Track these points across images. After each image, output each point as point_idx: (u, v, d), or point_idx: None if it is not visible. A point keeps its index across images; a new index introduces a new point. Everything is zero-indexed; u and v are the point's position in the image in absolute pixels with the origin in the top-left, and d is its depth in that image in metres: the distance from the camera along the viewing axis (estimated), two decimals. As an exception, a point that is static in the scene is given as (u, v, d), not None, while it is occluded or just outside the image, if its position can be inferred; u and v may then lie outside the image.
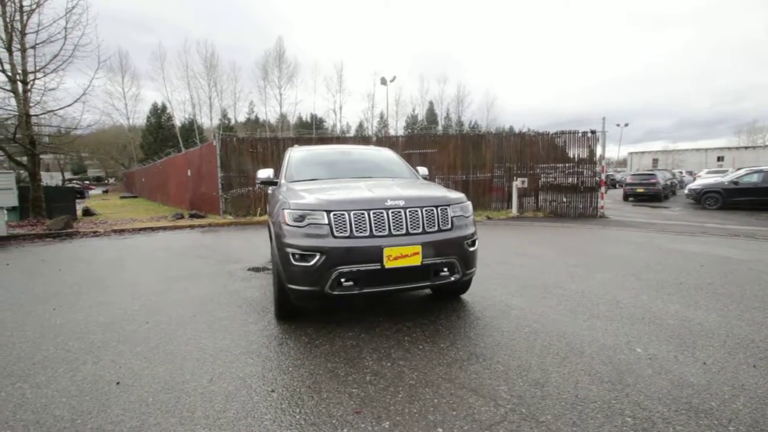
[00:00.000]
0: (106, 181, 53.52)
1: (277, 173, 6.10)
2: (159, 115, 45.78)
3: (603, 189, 12.09)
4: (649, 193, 18.85)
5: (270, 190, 5.04)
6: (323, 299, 3.02)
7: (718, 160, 46.91)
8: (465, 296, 3.90)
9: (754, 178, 14.04)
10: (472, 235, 3.28)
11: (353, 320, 3.35)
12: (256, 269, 5.46)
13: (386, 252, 2.86)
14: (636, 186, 19.19)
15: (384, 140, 14.10)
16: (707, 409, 2.00)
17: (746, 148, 49.22)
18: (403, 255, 2.92)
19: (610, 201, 16.94)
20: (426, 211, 3.09)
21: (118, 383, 2.37)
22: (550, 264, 5.39)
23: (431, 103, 52.16)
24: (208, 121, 44.82)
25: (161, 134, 44.37)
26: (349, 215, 2.92)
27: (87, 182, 46.97)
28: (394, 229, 2.97)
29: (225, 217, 11.91)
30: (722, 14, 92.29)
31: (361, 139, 15.03)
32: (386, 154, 5.06)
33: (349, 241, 2.87)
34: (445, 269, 3.11)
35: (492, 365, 2.50)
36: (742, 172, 15.28)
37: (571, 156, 12.63)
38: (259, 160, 12.62)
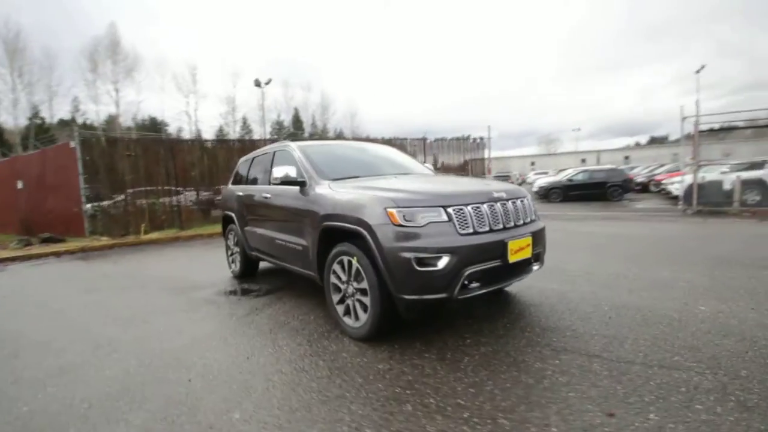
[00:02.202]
0: None
1: (238, 178, 5.19)
2: None
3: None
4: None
5: (263, 195, 4.20)
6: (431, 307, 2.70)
7: (531, 164, 58.89)
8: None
9: (581, 177, 18.16)
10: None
11: (436, 331, 3.07)
12: (236, 292, 4.46)
13: (510, 246, 2.73)
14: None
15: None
16: None
17: (548, 155, 63.25)
18: (521, 248, 2.83)
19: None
20: (520, 202, 3.07)
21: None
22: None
23: (296, 110, 51.20)
24: (11, 120, 34.34)
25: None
26: (467, 210, 2.68)
27: None
28: (506, 221, 2.86)
29: (98, 239, 9.31)
30: (520, 52, 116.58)
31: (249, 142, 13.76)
32: (396, 151, 4.80)
33: (475, 238, 2.64)
34: (537, 260, 3.15)
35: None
36: (571, 172, 19.57)
37: (464, 160, 14.17)
38: (141, 166, 10.35)
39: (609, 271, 4.50)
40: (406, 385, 2.24)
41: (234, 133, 46.32)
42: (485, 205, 2.77)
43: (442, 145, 14.14)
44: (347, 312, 3.02)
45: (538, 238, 3.05)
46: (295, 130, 48.21)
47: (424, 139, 13.93)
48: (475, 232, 2.66)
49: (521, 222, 2.98)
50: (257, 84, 25.02)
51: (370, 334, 2.81)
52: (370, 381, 2.31)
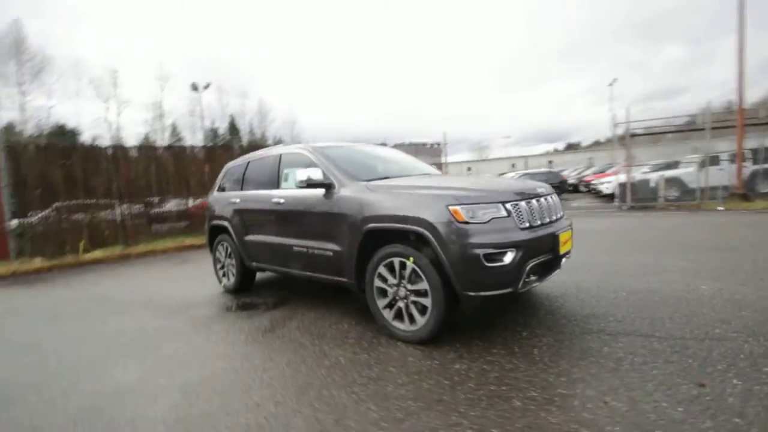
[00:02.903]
0: None
1: (228, 185, 4.85)
2: None
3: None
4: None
5: (274, 200, 3.95)
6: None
7: (468, 170, 62.00)
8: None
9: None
10: None
11: (492, 331, 3.11)
12: (242, 307, 4.11)
13: (560, 238, 2.86)
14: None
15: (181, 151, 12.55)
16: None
17: (482, 161, 67.10)
18: (566, 240, 2.98)
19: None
20: (552, 198, 3.22)
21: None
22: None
23: (233, 117, 48.70)
24: None
25: None
26: (522, 205, 2.76)
27: None
28: (550, 216, 2.99)
29: (29, 260, 8.03)
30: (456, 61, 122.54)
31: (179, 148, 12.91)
32: (401, 152, 4.78)
33: (532, 232, 2.72)
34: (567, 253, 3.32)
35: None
36: (513, 175, 20.94)
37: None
38: (79, 176, 9.19)
39: (601, 261, 4.88)
40: (497, 381, 2.23)
41: (162, 140, 42.82)
42: (533, 201, 2.88)
43: (401, 150, 14.36)
44: (398, 315, 2.93)
45: (571, 230, 3.22)
46: (231, 137, 45.93)
47: (383, 145, 14.11)
48: (531, 227, 2.74)
49: (556, 217, 3.13)
50: (194, 88, 23.42)
51: (431, 335, 2.75)
52: (457, 382, 2.26)
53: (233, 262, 4.68)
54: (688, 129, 12.33)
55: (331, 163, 3.56)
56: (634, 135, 12.49)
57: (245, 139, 47.53)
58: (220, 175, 5.23)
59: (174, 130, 44.01)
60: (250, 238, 4.34)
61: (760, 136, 11.40)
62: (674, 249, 5.33)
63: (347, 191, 3.28)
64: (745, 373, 2.10)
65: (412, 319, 2.85)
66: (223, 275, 4.91)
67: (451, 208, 2.61)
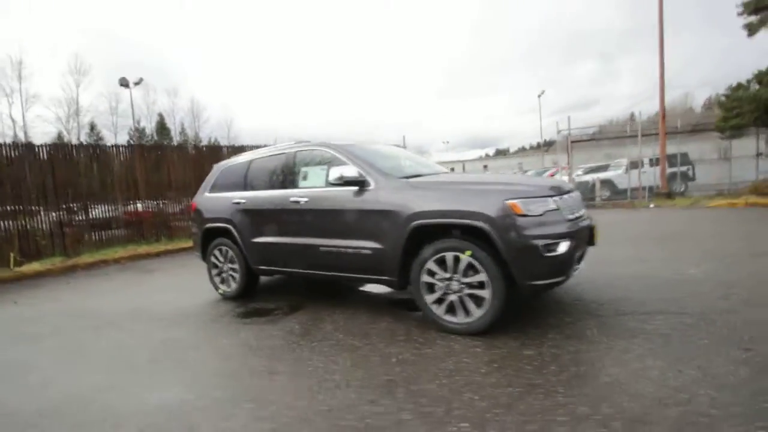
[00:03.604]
0: None
1: (225, 185, 4.59)
2: None
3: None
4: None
5: (293, 200, 3.79)
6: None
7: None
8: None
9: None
10: None
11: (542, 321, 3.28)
12: (256, 313, 3.87)
13: (595, 229, 3.11)
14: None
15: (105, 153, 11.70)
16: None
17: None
18: (596, 232, 3.24)
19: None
20: (578, 194, 3.49)
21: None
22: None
23: (161, 116, 45.08)
24: None
25: None
26: (565, 198, 2.97)
27: None
28: (579, 209, 3.23)
29: (-56, 277, 6.74)
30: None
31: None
32: (411, 153, 4.82)
33: (575, 224, 2.93)
34: (588, 244, 3.62)
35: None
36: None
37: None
38: (6, 179, 7.95)
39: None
40: (573, 362, 2.37)
41: (76, 138, 38.29)
42: (566, 196, 3.10)
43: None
44: (450, 309, 2.98)
45: None
46: (160, 137, 42.49)
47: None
48: (573, 219, 2.96)
49: (583, 210, 3.40)
50: (123, 84, 21.18)
51: (488, 326, 2.84)
52: (538, 367, 2.36)
53: (235, 266, 4.39)
54: (623, 136, 13.87)
55: (362, 160, 3.51)
56: (575, 141, 13.80)
57: (176, 139, 44.31)
58: (211, 176, 4.88)
59: (92, 129, 39.71)
60: (260, 240, 4.10)
61: (679, 143, 13.21)
62: (645, 241, 6.02)
63: (386, 188, 3.26)
64: (772, 336, 2.47)
65: (466, 312, 2.91)
66: (221, 282, 4.57)
67: (509, 202, 2.73)
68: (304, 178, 3.89)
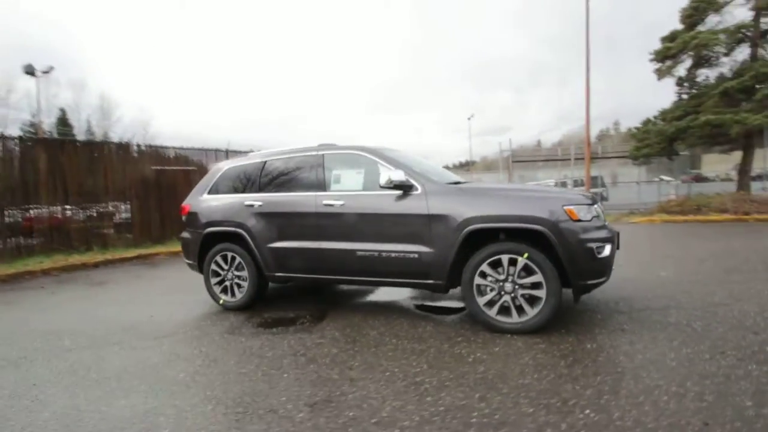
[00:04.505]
0: None
1: (232, 186, 4.33)
2: None
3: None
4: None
5: (325, 203, 3.66)
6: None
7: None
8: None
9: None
10: None
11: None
12: (278, 324, 3.61)
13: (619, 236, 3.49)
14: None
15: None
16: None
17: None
18: (617, 237, 3.64)
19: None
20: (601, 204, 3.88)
21: None
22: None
23: (63, 111, 39.52)
24: None
25: None
26: (597, 207, 3.30)
27: None
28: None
29: None
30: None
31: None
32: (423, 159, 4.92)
33: (610, 230, 3.27)
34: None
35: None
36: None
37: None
38: None
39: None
40: (634, 352, 2.64)
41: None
42: (597, 205, 3.46)
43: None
44: (502, 310, 3.11)
45: None
46: (61, 135, 37.16)
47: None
48: (604, 225, 3.31)
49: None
50: (29, 72, 18.17)
51: (544, 324, 3.01)
52: (610, 357, 2.59)
53: (242, 274, 4.06)
54: (555, 159, 15.55)
55: (405, 165, 3.53)
56: (516, 161, 15.16)
57: (82, 137, 39.13)
58: (211, 177, 4.50)
59: (-32, 121, 33.36)
60: (280, 245, 3.87)
61: (600, 167, 15.20)
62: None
63: (435, 193, 3.33)
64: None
65: (520, 312, 3.07)
66: (222, 291, 4.19)
67: (566, 208, 2.98)
68: (337, 181, 3.79)
